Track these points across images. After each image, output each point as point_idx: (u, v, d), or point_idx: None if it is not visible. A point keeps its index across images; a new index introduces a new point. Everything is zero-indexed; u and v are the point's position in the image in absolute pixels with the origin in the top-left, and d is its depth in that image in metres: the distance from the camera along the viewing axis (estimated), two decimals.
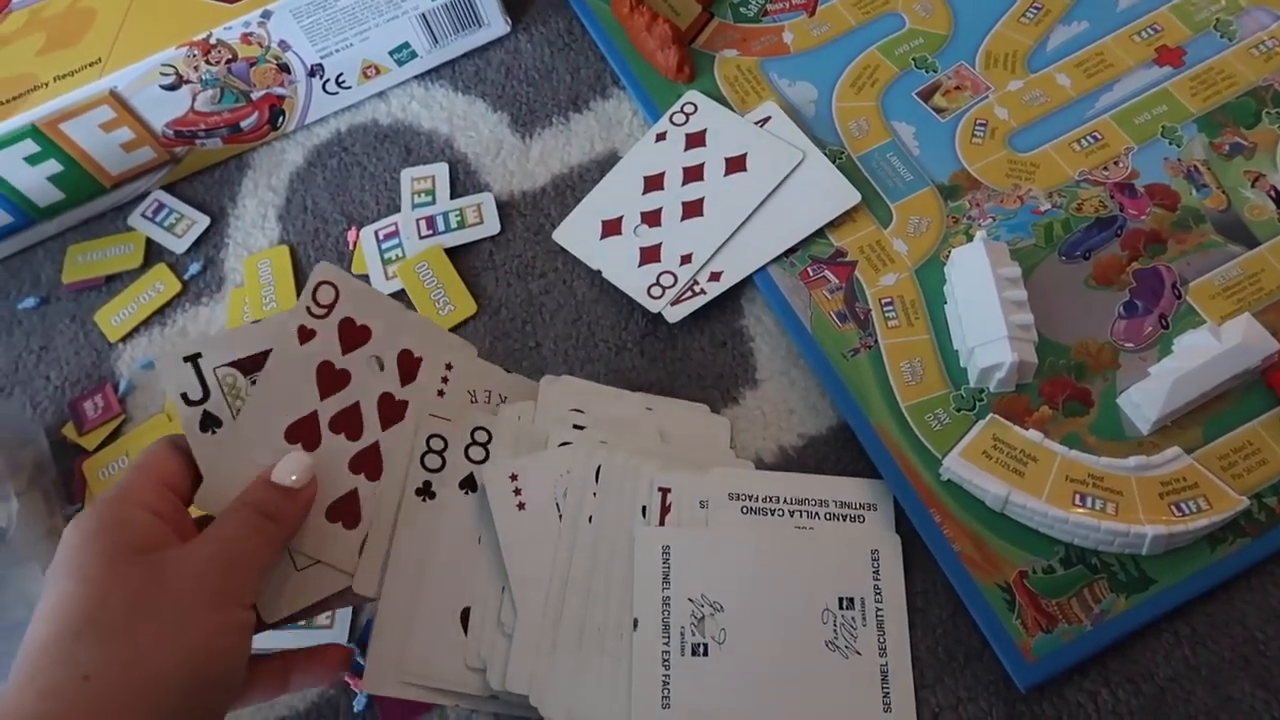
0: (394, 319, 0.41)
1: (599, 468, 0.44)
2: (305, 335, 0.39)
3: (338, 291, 0.40)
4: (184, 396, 0.38)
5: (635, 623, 0.41)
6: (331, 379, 0.39)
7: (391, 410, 0.39)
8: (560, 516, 0.43)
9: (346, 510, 0.38)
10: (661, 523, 0.43)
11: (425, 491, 0.44)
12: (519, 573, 0.42)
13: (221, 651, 0.33)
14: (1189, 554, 0.41)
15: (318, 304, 0.39)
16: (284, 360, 0.38)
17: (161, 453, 0.37)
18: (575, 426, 0.45)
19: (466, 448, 0.45)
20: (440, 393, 0.44)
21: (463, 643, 0.42)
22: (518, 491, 0.43)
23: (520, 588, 0.42)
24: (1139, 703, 0.40)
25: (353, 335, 0.40)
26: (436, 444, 0.45)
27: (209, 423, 0.38)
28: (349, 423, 0.39)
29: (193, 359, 0.38)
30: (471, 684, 0.42)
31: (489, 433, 0.45)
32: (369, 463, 0.39)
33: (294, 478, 0.37)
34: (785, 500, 0.44)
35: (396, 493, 0.40)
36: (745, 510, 0.44)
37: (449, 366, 0.44)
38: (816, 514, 0.44)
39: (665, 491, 0.44)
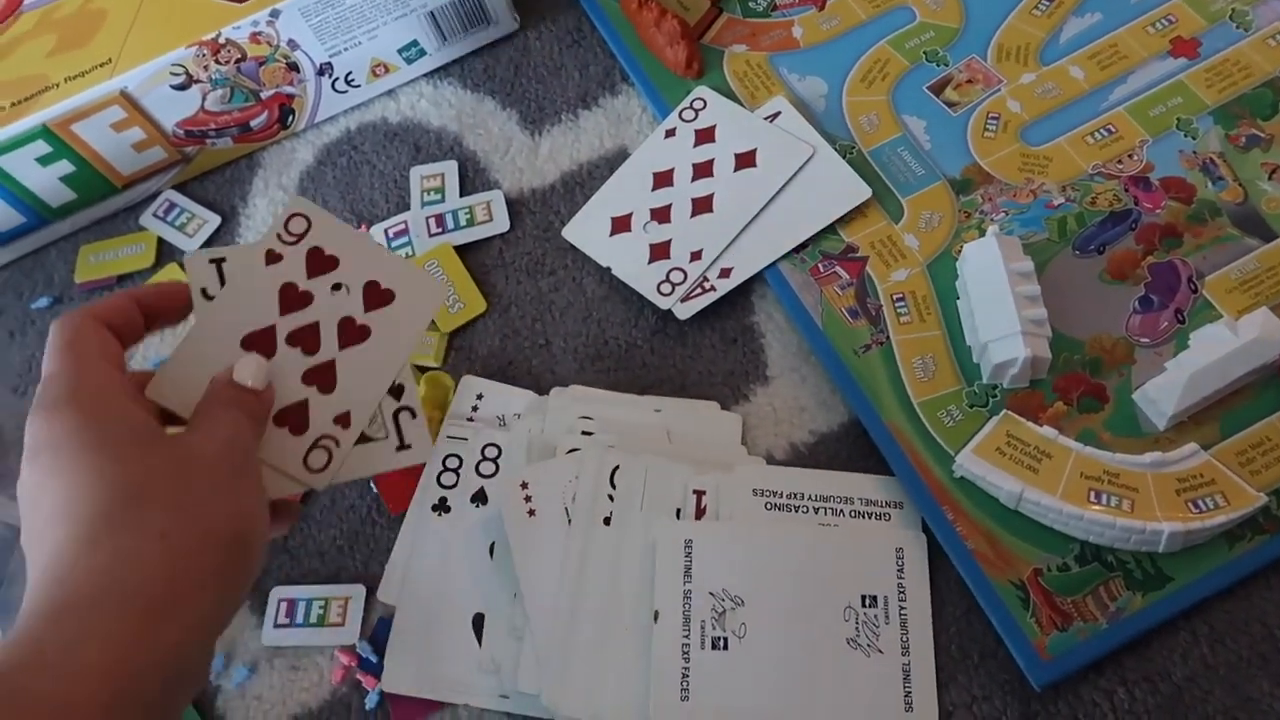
0: (365, 254, 0.42)
1: (615, 469, 0.44)
2: (272, 258, 0.41)
3: (309, 223, 0.42)
4: (203, 291, 0.40)
5: (656, 615, 0.41)
6: (293, 298, 0.41)
7: (352, 332, 0.41)
8: (569, 521, 0.43)
9: (295, 418, 0.40)
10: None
11: (441, 506, 0.46)
12: (531, 577, 0.42)
13: (254, 519, 0.35)
14: (1206, 551, 0.40)
15: (288, 232, 0.41)
16: (249, 276, 0.41)
17: (111, 303, 0.38)
18: (584, 433, 0.45)
19: (477, 463, 0.46)
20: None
21: (475, 646, 0.42)
22: (528, 499, 0.43)
23: (532, 591, 0.42)
24: (1155, 702, 0.39)
25: (320, 263, 0.42)
26: (452, 462, 0.46)
27: None
28: (306, 338, 0.41)
29: (217, 261, 0.41)
30: (484, 685, 0.42)
31: (499, 448, 0.46)
32: (323, 377, 0.40)
33: (251, 381, 0.38)
34: (810, 497, 0.44)
35: (366, 411, 0.41)
36: (769, 506, 0.44)
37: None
38: (841, 511, 0.44)
39: (700, 494, 0.44)
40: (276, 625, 0.46)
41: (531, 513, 0.43)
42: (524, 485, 0.44)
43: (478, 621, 0.43)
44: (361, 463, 0.40)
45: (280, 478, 0.39)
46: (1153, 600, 0.40)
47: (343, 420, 0.40)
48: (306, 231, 0.42)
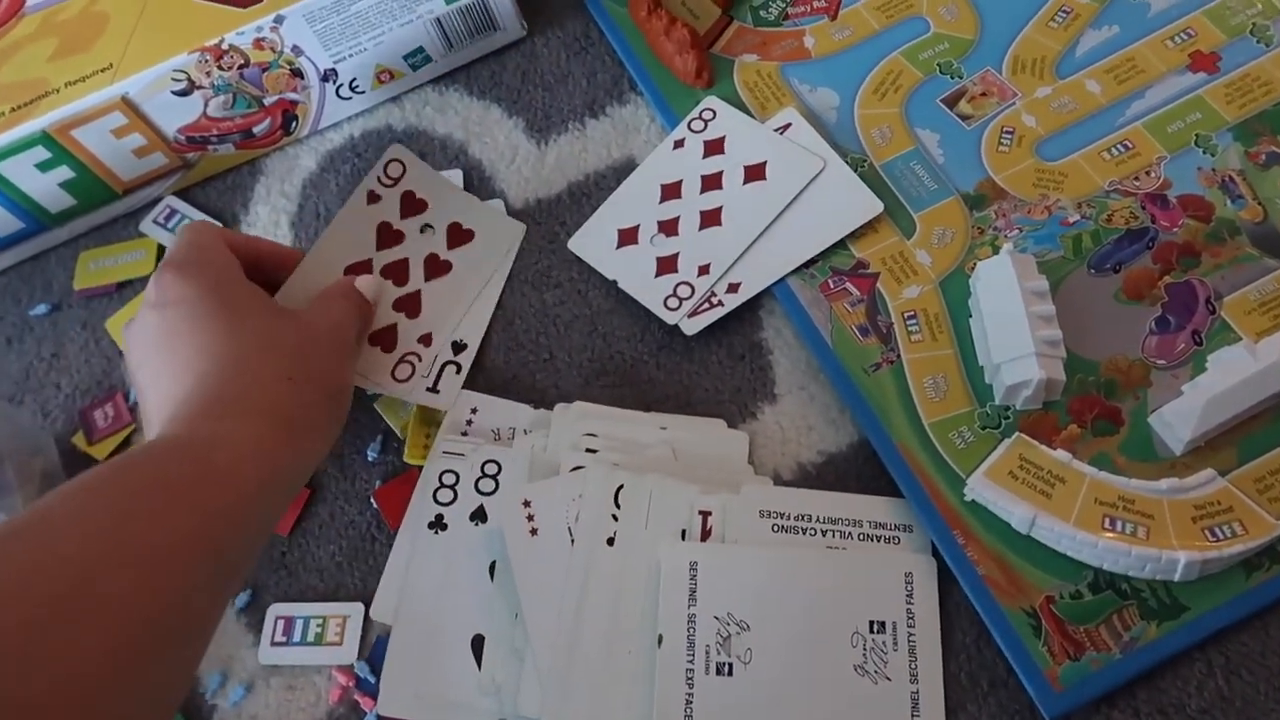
0: (451, 198, 0.51)
1: (619, 489, 0.43)
2: (372, 199, 0.50)
3: (404, 168, 0.50)
4: None
5: (660, 639, 0.40)
6: (387, 236, 0.49)
7: (437, 267, 0.49)
8: (573, 541, 0.42)
9: (385, 339, 0.48)
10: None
11: (438, 524, 0.45)
12: (532, 598, 0.41)
13: (349, 385, 0.45)
14: (1223, 580, 0.40)
15: (387, 176, 0.50)
16: (353, 212, 0.50)
17: (216, 241, 0.45)
18: (588, 450, 0.45)
19: (477, 480, 0.45)
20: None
21: (474, 668, 0.42)
22: (530, 518, 0.43)
23: (533, 612, 0.41)
24: None
25: (412, 205, 0.50)
26: (448, 479, 0.45)
27: None
28: (397, 272, 0.49)
29: None
30: (484, 708, 0.41)
31: (498, 464, 0.46)
32: (410, 305, 0.48)
33: (368, 292, 0.47)
34: (818, 519, 0.43)
35: (445, 333, 0.49)
36: (776, 529, 0.43)
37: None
38: (849, 534, 0.43)
39: (706, 515, 0.43)
40: (274, 644, 0.45)
41: (534, 531, 0.43)
42: (526, 503, 0.43)
43: (477, 643, 0.43)
44: (390, 381, 0.47)
45: (369, 385, 0.47)
46: (1168, 630, 0.39)
47: (425, 340, 0.48)
48: (402, 176, 0.50)
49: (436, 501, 0.45)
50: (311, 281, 0.47)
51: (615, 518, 0.43)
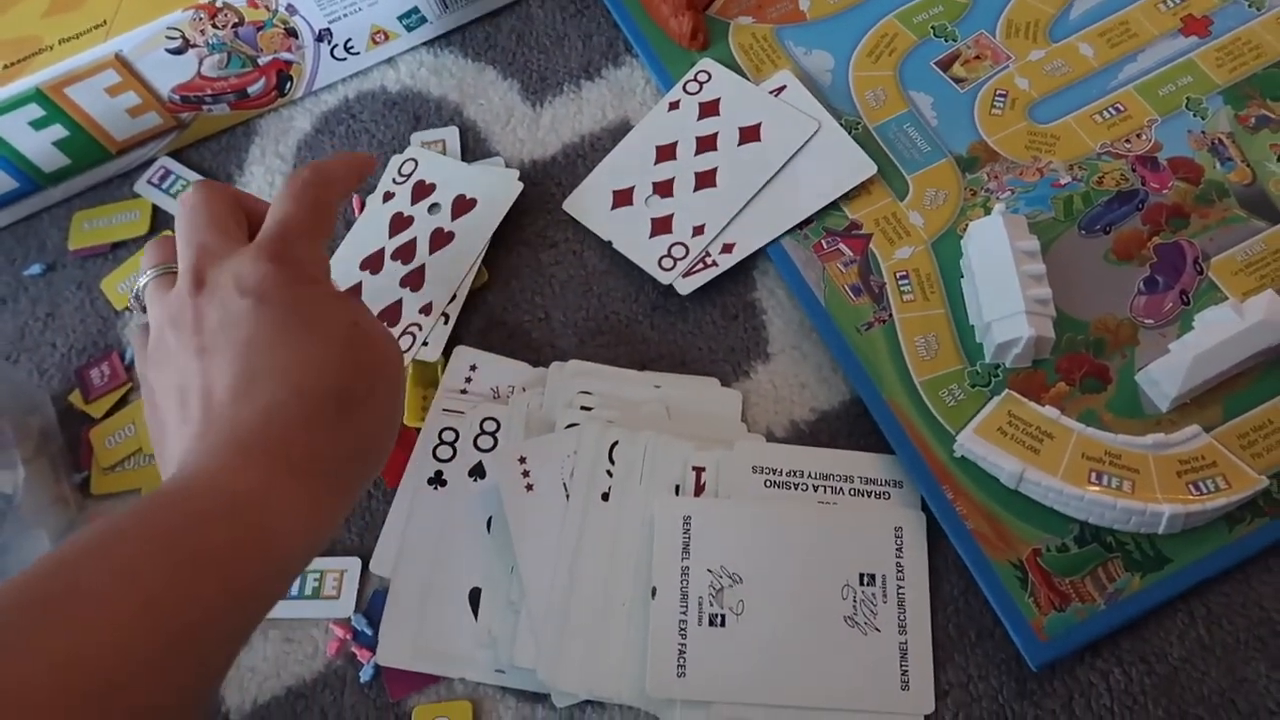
0: (454, 172, 0.53)
1: (614, 445, 0.43)
2: (387, 197, 0.53)
3: (417, 164, 0.53)
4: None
5: (654, 591, 0.41)
6: (399, 224, 0.52)
7: (441, 239, 0.50)
8: (568, 497, 0.43)
9: (391, 314, 0.49)
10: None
11: (437, 480, 0.46)
12: (528, 552, 0.42)
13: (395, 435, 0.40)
14: (1206, 533, 0.40)
15: (400, 174, 0.53)
16: (371, 214, 0.53)
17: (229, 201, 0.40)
18: (583, 408, 0.45)
19: (475, 437, 0.46)
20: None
21: (471, 620, 0.42)
22: (526, 474, 0.43)
23: (529, 566, 0.42)
24: (1151, 682, 0.39)
25: (421, 190, 0.52)
26: (448, 435, 0.46)
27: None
28: (405, 252, 0.51)
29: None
30: (480, 659, 0.42)
31: (497, 422, 0.46)
32: (414, 279, 0.50)
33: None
34: (810, 475, 0.44)
35: (443, 300, 0.49)
36: (769, 484, 0.44)
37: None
38: (841, 489, 0.44)
39: (699, 471, 0.43)
40: None
41: (529, 487, 0.43)
42: (522, 460, 0.44)
43: (474, 595, 0.43)
44: None
45: None
46: (1151, 582, 0.40)
47: (425, 310, 0.49)
48: (414, 171, 0.53)
49: (436, 458, 0.46)
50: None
51: (610, 473, 0.43)
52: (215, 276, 0.36)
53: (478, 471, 0.46)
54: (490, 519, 0.44)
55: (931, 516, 0.42)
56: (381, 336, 0.38)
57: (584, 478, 0.43)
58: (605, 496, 0.43)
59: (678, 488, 0.43)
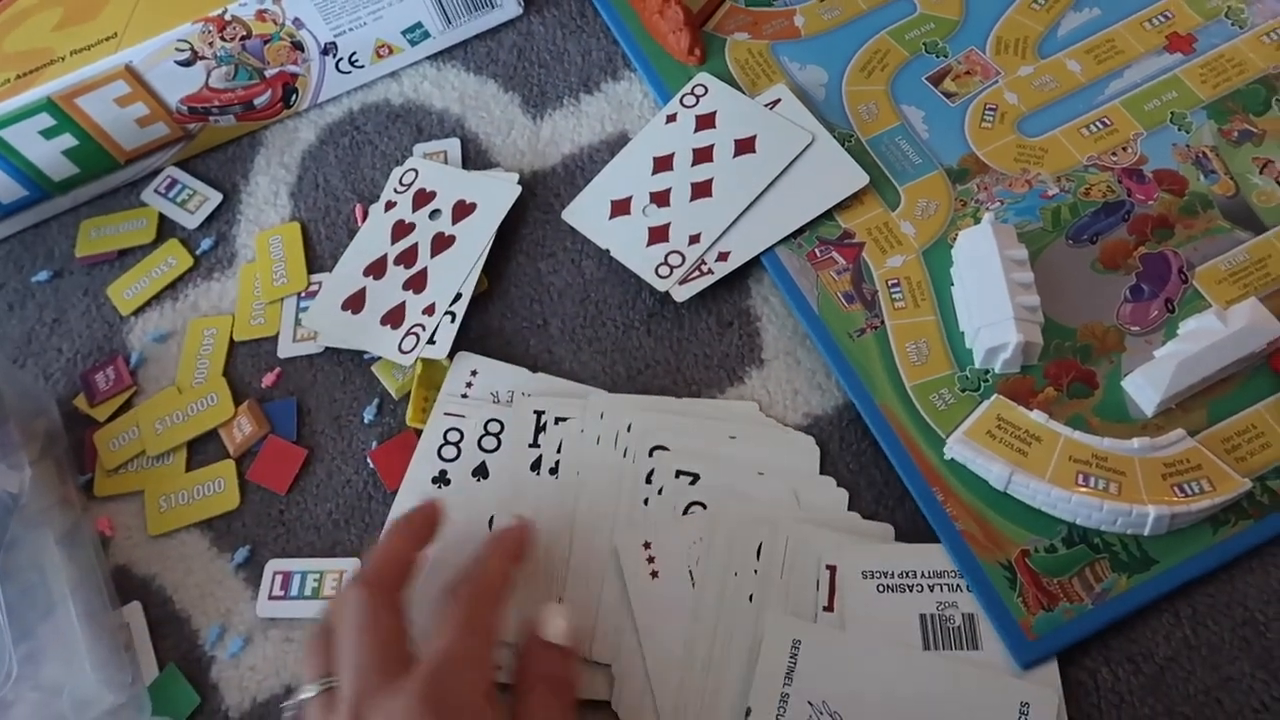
0: (455, 180, 0.54)
1: (760, 546, 0.43)
2: (389, 207, 0.54)
3: (418, 174, 0.54)
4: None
5: (747, 712, 0.40)
6: (401, 230, 0.53)
7: (442, 243, 0.52)
8: (693, 584, 0.42)
9: (394, 317, 0.50)
10: (830, 604, 0.41)
11: (441, 480, 0.46)
12: (654, 641, 0.41)
13: None
14: (1191, 535, 0.41)
15: (401, 184, 0.55)
16: (374, 222, 0.54)
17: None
18: (683, 474, 0.45)
19: (480, 439, 0.46)
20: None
21: None
22: (651, 560, 0.43)
23: (656, 657, 0.41)
24: (1138, 681, 0.40)
25: (422, 198, 0.54)
26: (453, 435, 0.47)
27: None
28: (408, 257, 0.52)
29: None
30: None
31: (501, 424, 0.46)
32: (417, 282, 0.51)
33: (565, 638, 0.39)
34: (922, 574, 0.42)
35: (445, 300, 0.50)
36: (881, 589, 0.41)
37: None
38: (959, 586, 0.41)
39: (833, 570, 0.42)
40: (271, 597, 0.46)
41: (654, 574, 0.43)
42: (647, 545, 0.43)
43: None
44: (398, 354, 0.49)
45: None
46: (1138, 582, 0.41)
47: (429, 310, 0.50)
48: (414, 181, 0.54)
49: (440, 458, 0.47)
50: (335, 295, 0.52)
51: (756, 572, 0.42)
52: (371, 716, 0.35)
53: (481, 472, 0.46)
54: (491, 518, 0.45)
55: (921, 517, 0.43)
56: None
57: (717, 572, 0.42)
58: (751, 599, 0.42)
59: (817, 582, 0.42)
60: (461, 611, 0.38)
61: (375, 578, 0.39)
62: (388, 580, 0.39)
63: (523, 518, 0.43)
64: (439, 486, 0.46)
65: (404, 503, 0.47)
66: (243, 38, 0.54)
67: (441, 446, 0.47)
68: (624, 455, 0.45)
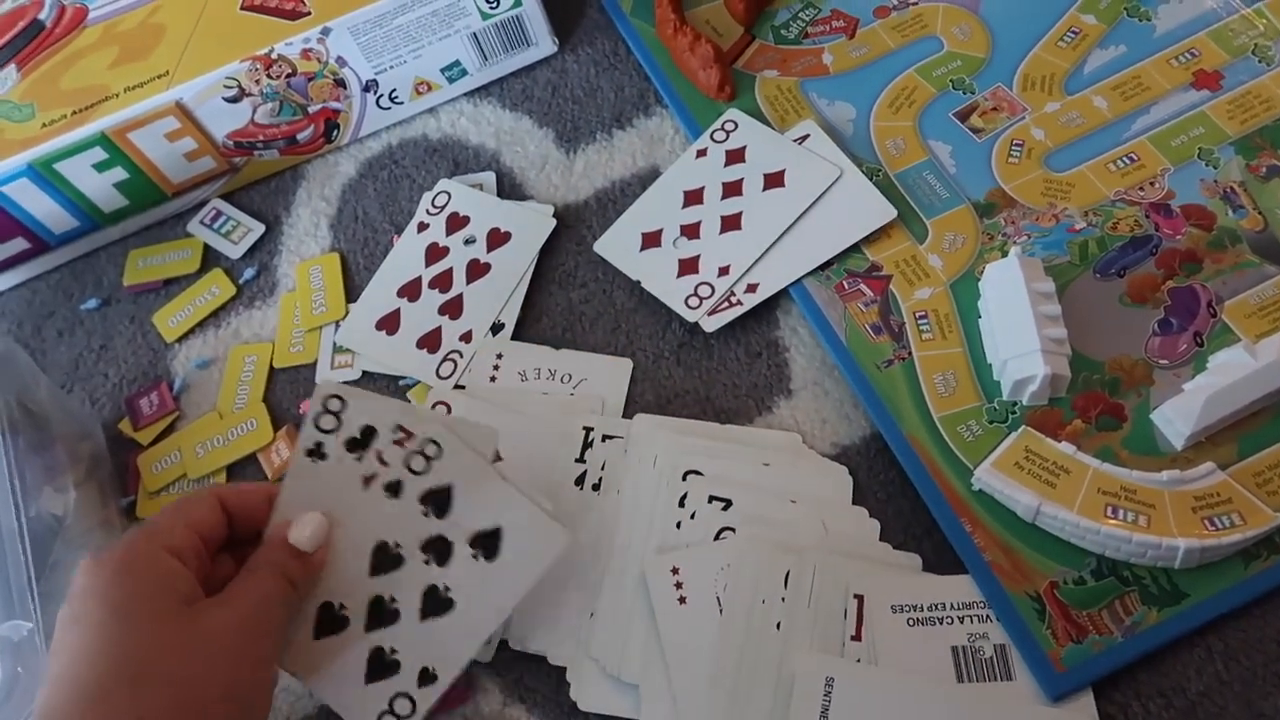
0: (489, 207, 0.55)
1: (788, 574, 0.43)
2: (421, 228, 0.55)
3: (450, 196, 0.56)
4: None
5: None
6: (435, 254, 0.54)
7: (477, 270, 0.53)
8: (721, 610, 0.42)
9: (430, 341, 0.51)
10: (858, 633, 0.42)
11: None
12: (681, 666, 0.42)
13: (254, 686, 0.37)
14: (1222, 569, 0.41)
15: (434, 205, 0.56)
16: (406, 242, 0.55)
17: (201, 502, 0.39)
18: (716, 499, 0.45)
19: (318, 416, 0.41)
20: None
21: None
22: (679, 585, 0.43)
23: (683, 682, 0.41)
24: (1169, 716, 0.40)
25: (455, 223, 0.55)
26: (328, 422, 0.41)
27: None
28: (442, 281, 0.53)
29: None
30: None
31: (439, 445, 0.40)
32: (453, 308, 0.52)
33: (306, 544, 0.39)
34: (951, 606, 0.42)
35: (484, 328, 0.52)
36: (911, 623, 0.42)
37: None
38: (988, 617, 0.42)
39: (860, 600, 0.42)
40: None
41: (682, 600, 0.43)
42: (675, 570, 0.43)
43: None
44: (436, 379, 0.51)
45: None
46: (1168, 615, 0.40)
47: (465, 337, 0.51)
48: (447, 204, 0.56)
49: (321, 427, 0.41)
50: (368, 313, 0.53)
51: (784, 600, 0.42)
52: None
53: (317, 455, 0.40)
54: None
55: (949, 548, 0.43)
56: (232, 591, 0.38)
57: (744, 599, 0.42)
58: (779, 626, 0.42)
59: (845, 611, 0.42)
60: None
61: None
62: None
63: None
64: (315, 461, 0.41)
65: None
66: (288, 75, 0.56)
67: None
68: (659, 478, 0.46)
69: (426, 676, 0.39)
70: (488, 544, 0.39)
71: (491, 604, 0.39)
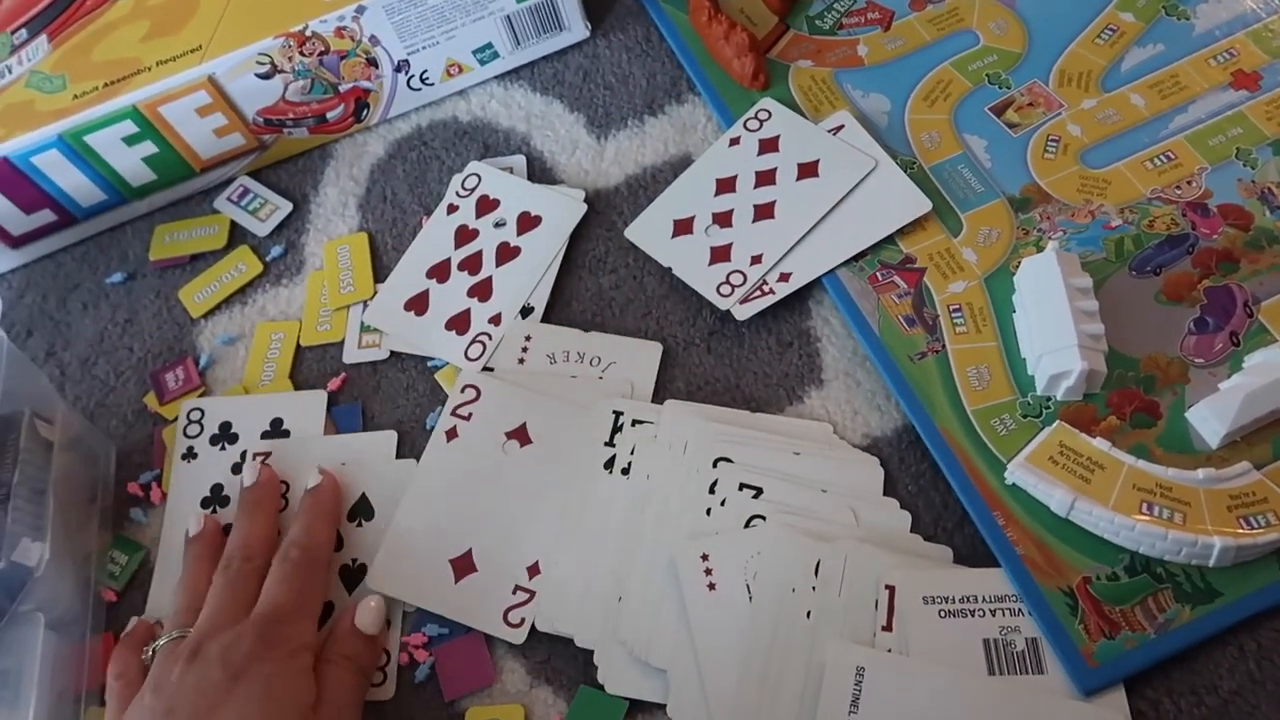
0: (518, 190, 0.55)
1: (819, 563, 0.43)
2: (451, 210, 0.56)
3: (480, 179, 0.56)
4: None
5: None
6: (464, 236, 0.54)
7: (507, 253, 0.53)
8: (750, 598, 0.42)
9: (460, 323, 0.51)
10: (889, 623, 0.41)
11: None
12: (710, 653, 0.42)
13: None
14: (1257, 568, 0.41)
15: (463, 188, 0.56)
16: (436, 224, 0.55)
17: (318, 573, 0.45)
18: (746, 487, 0.45)
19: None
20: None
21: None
22: (709, 572, 0.43)
23: (712, 669, 0.41)
24: (1201, 714, 0.40)
25: (485, 205, 0.55)
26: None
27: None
28: (472, 264, 0.53)
29: None
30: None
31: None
32: (482, 290, 0.52)
33: (371, 628, 0.44)
34: (984, 599, 0.42)
35: (513, 312, 0.52)
36: (943, 614, 0.41)
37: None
38: (1020, 611, 0.41)
39: (892, 590, 0.42)
40: None
41: (712, 586, 0.43)
42: (705, 557, 0.43)
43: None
44: (464, 360, 0.51)
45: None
46: (1201, 614, 0.40)
47: (495, 320, 0.51)
48: (477, 186, 0.55)
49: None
50: (397, 292, 0.54)
51: (815, 589, 0.42)
52: (209, 649, 0.41)
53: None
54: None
55: (981, 541, 0.43)
56: (320, 689, 0.41)
57: (774, 587, 0.42)
58: (809, 615, 0.42)
59: (876, 602, 0.42)
60: (290, 572, 0.44)
61: (244, 553, 0.45)
62: (253, 552, 0.45)
63: (326, 470, 0.48)
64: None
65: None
66: (321, 53, 0.56)
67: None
68: (690, 465, 0.46)
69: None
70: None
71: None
